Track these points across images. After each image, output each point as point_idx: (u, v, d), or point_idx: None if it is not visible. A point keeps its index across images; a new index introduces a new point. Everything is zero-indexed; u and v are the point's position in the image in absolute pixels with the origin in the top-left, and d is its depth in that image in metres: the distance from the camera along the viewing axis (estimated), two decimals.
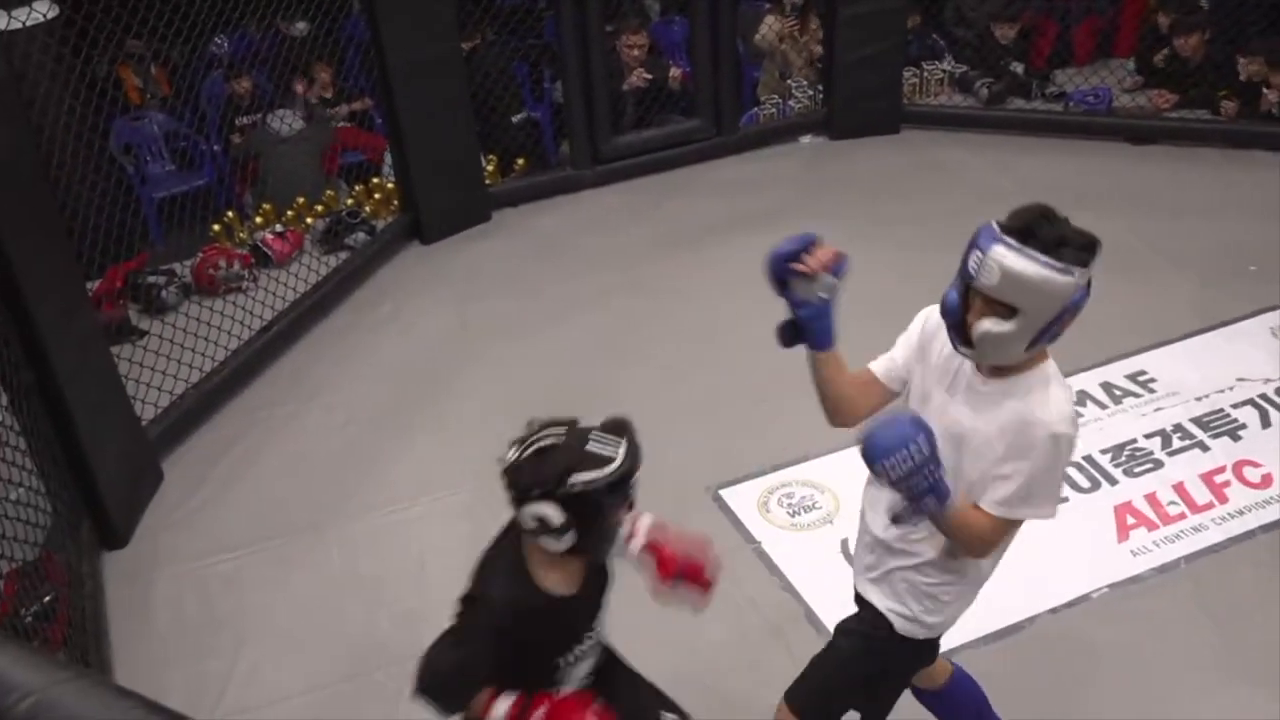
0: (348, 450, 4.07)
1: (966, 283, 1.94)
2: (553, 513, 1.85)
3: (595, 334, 4.68)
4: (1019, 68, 6.53)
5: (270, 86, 5.89)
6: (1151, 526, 3.45)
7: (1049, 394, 1.98)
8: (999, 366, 2.00)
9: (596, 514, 1.87)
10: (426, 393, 4.36)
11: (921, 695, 2.65)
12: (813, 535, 3.51)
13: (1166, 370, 4.15)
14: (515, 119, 6.07)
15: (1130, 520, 3.49)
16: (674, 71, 6.18)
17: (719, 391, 4.23)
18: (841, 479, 3.71)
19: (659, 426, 4.02)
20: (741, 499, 3.68)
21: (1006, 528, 2.04)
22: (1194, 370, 4.12)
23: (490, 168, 5.89)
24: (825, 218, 5.47)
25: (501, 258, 5.37)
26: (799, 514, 3.60)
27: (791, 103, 6.49)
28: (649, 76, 6.05)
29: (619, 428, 1.94)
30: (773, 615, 3.24)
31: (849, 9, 6.00)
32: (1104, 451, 3.76)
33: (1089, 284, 1.90)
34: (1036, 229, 1.88)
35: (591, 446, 1.88)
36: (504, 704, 1.98)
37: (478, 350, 4.61)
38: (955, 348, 2.01)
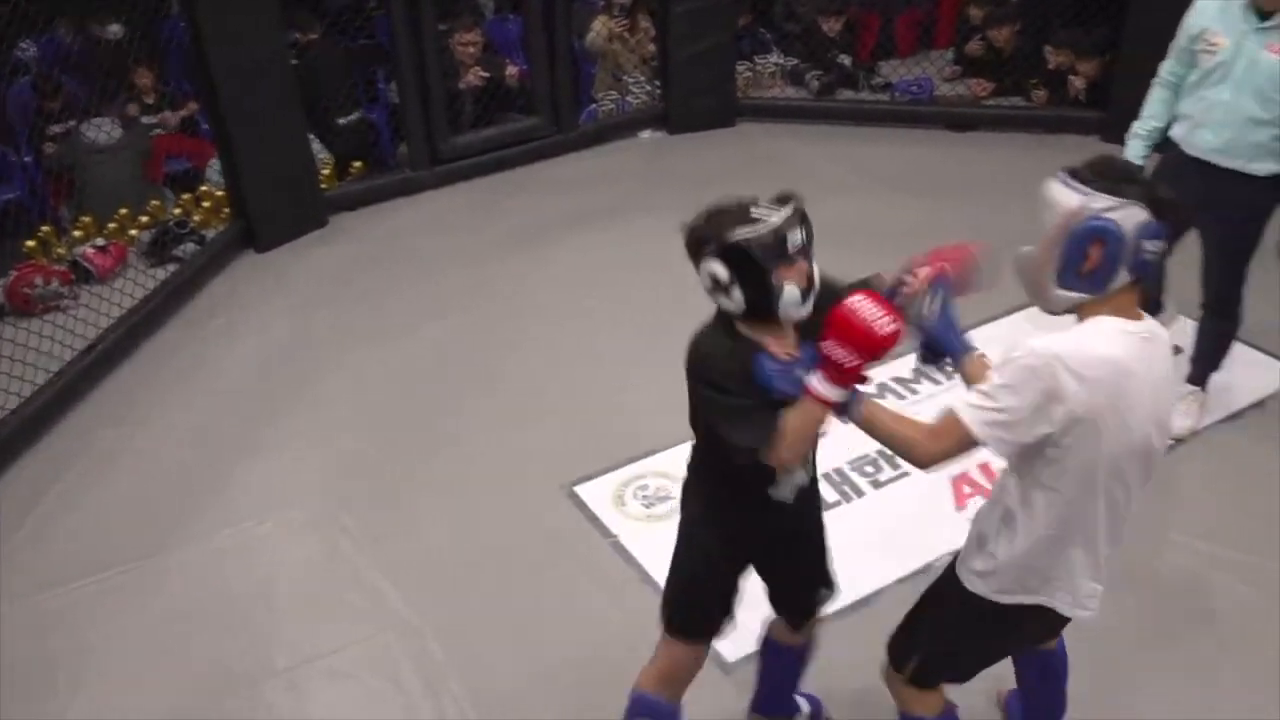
0: (186, 472, 3.90)
1: None
2: (719, 268, 2.05)
3: (443, 337, 4.62)
4: (846, 60, 6.75)
5: (84, 93, 5.59)
6: (985, 494, 3.59)
7: (1057, 335, 1.91)
8: (1083, 315, 1.95)
9: (758, 270, 2.01)
10: (267, 408, 4.22)
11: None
12: (668, 525, 3.51)
13: (998, 344, 4.33)
14: (342, 121, 5.92)
15: (967, 489, 3.65)
16: (510, 69, 6.15)
17: (570, 388, 4.23)
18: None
19: (511, 426, 4.03)
20: (597, 494, 3.70)
21: (952, 427, 1.96)
22: (1018, 343, 4.32)
23: (326, 171, 5.74)
24: (667, 211, 5.49)
25: (341, 264, 5.24)
26: (654, 505, 3.63)
27: (630, 99, 6.54)
28: (486, 75, 6.00)
29: (784, 198, 2.07)
30: (635, 608, 3.26)
31: (680, 6, 6.09)
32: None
33: (1142, 226, 1.84)
34: (1087, 164, 1.91)
35: (754, 211, 2.05)
36: (814, 380, 1.97)
37: (321, 361, 4.49)
38: None
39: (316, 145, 5.66)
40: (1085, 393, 1.87)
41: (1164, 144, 3.66)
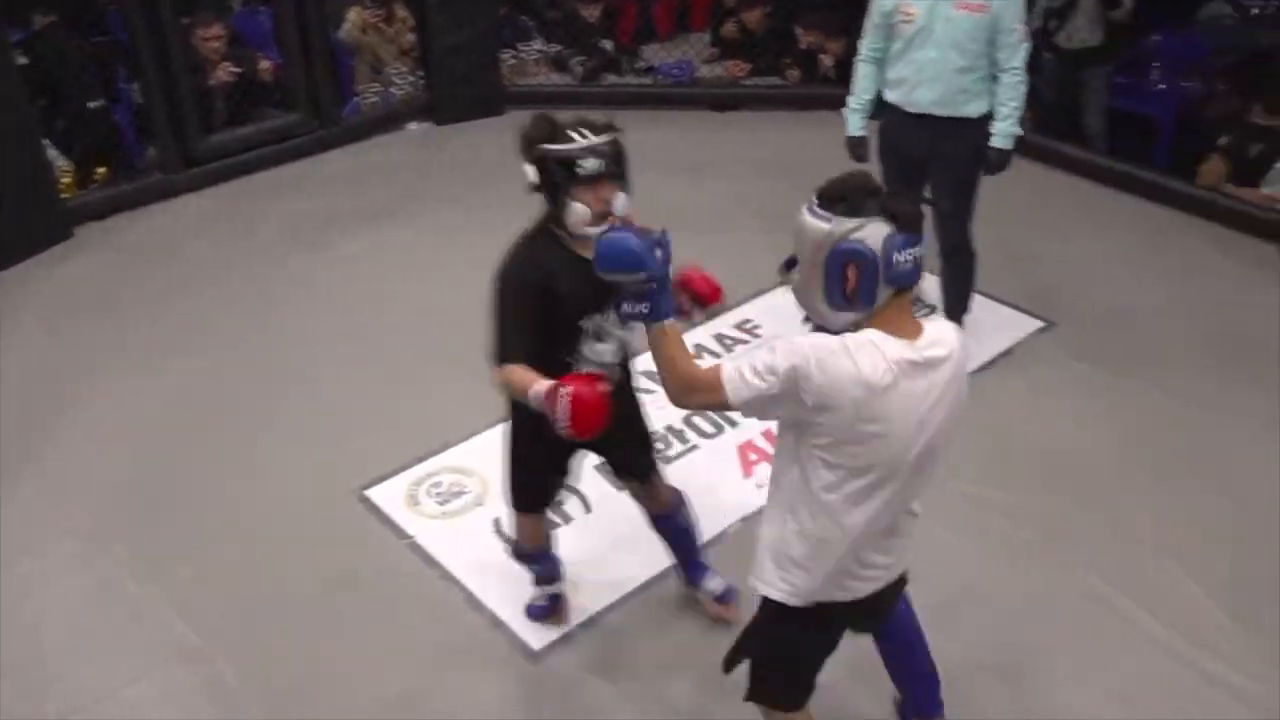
0: None
1: None
2: (530, 172, 2.42)
3: (215, 347, 4.40)
4: (608, 45, 6.83)
5: None
6: (770, 459, 3.74)
7: (827, 339, 1.99)
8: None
9: (553, 179, 2.39)
10: (23, 436, 3.90)
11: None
12: (465, 520, 3.52)
13: (769, 316, 4.53)
14: (92, 105, 5.47)
15: (752, 457, 3.79)
16: (263, 64, 5.90)
17: (355, 390, 4.12)
18: (486, 460, 3.73)
19: (293, 435, 3.89)
20: (389, 496, 3.62)
21: (709, 376, 2.06)
22: (791, 313, 4.49)
23: (67, 179, 5.33)
24: (440, 203, 5.47)
25: (92, 276, 4.91)
26: (449, 501, 3.59)
27: (394, 91, 6.40)
28: (237, 70, 5.72)
29: (605, 128, 2.43)
30: (437, 607, 3.22)
31: None
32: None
33: (889, 241, 1.93)
34: (827, 187, 2.01)
35: (571, 131, 2.40)
36: (535, 389, 2.35)
37: (79, 382, 4.19)
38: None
39: (53, 152, 5.26)
40: (829, 402, 1.95)
41: (879, 110, 4.06)
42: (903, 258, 1.96)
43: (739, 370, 2.03)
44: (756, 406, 2.04)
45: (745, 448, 3.83)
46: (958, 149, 3.90)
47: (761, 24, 6.65)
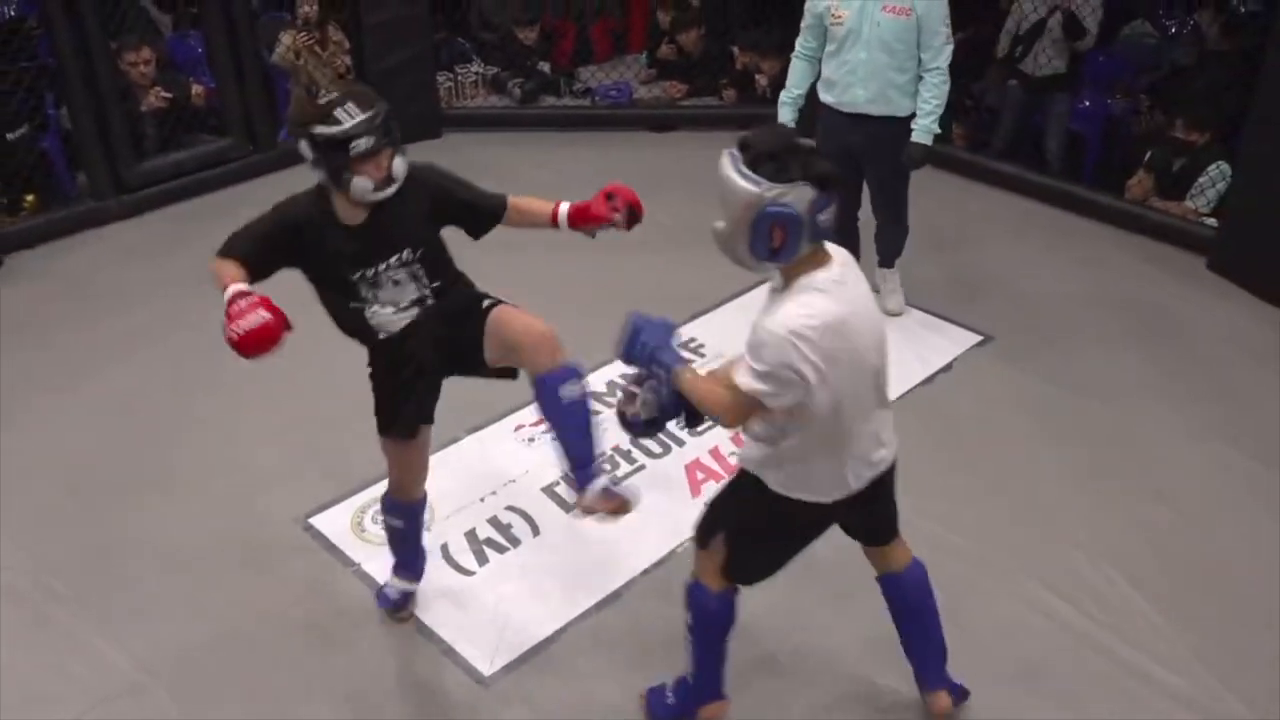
0: None
1: None
2: (306, 149, 2.48)
3: (145, 376, 4.31)
4: (546, 67, 6.85)
5: None
6: (718, 478, 3.78)
7: (784, 306, 2.21)
8: (788, 277, 2.25)
9: (330, 160, 2.46)
10: None
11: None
12: None
13: (712, 335, 4.55)
14: (11, 136, 5.36)
15: (700, 476, 3.80)
16: (195, 89, 5.82)
17: (295, 418, 4.07)
18: (431, 484, 3.67)
19: (232, 464, 3.83)
20: (334, 523, 3.57)
21: (743, 401, 2.26)
22: (734, 331, 4.52)
23: None
24: None
25: (21, 308, 4.79)
26: None
27: None
28: (168, 95, 5.64)
29: (367, 102, 2.48)
30: (385, 636, 3.18)
31: (372, 17, 5.98)
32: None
33: (813, 204, 2.11)
34: (753, 143, 2.12)
35: (337, 111, 2.43)
36: (238, 285, 2.58)
37: (5, 412, 4.08)
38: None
39: None
40: (820, 356, 2.17)
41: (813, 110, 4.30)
42: (824, 217, 2.16)
43: (749, 378, 2.22)
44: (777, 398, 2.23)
45: (693, 467, 3.84)
46: (892, 145, 4.14)
47: (697, 45, 6.72)
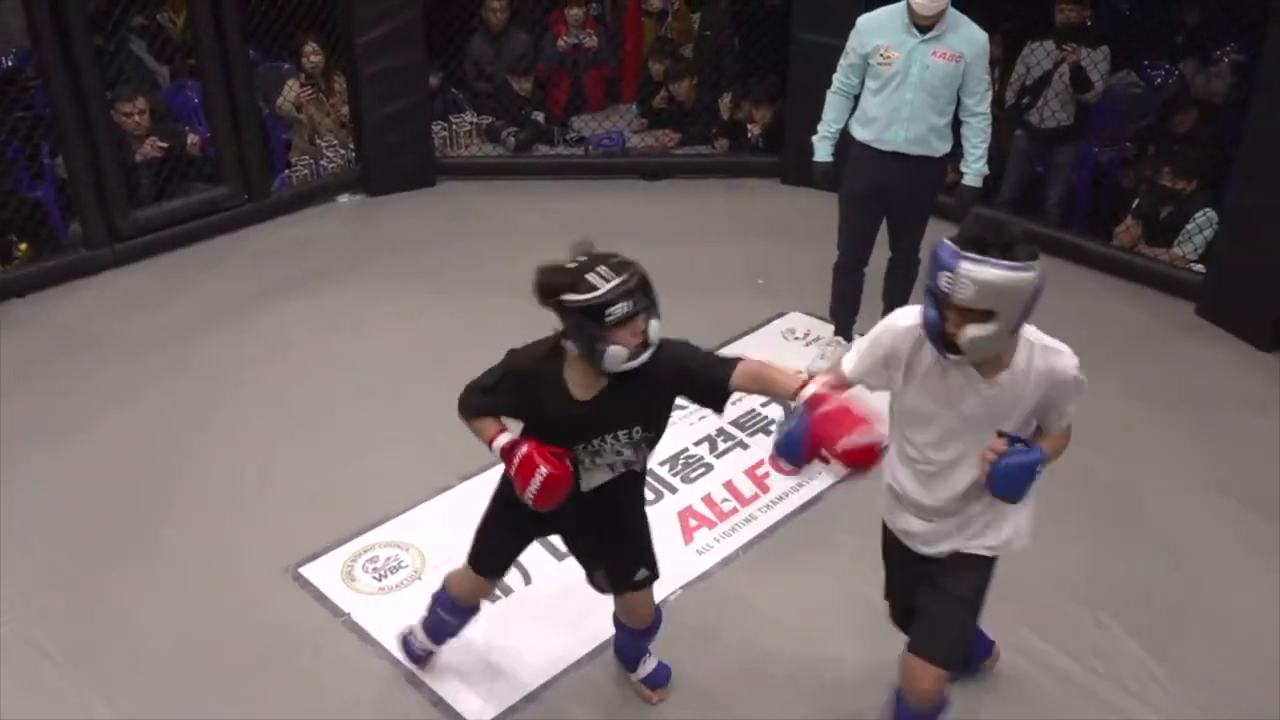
0: None
1: (939, 299, 2.17)
2: (557, 320, 2.35)
3: (139, 426, 4.29)
4: (540, 116, 6.91)
5: None
6: (711, 525, 3.76)
7: (1045, 345, 2.31)
8: (991, 365, 2.28)
9: (583, 328, 2.32)
10: None
11: None
12: (403, 595, 3.45)
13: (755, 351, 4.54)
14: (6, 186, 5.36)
15: (693, 523, 3.78)
16: (191, 138, 5.86)
17: (287, 465, 4.05)
18: (423, 533, 3.70)
19: (223, 514, 3.80)
20: (324, 573, 3.54)
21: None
22: None
23: None
24: (374, 275, 5.45)
25: (15, 356, 4.78)
26: (386, 576, 3.53)
27: (324, 163, 6.39)
28: (164, 145, 5.68)
29: (622, 266, 2.33)
30: (374, 685, 3.14)
31: (370, 67, 6.04)
32: (662, 463, 4.05)
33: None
34: (988, 238, 2.12)
35: (589, 277, 2.30)
36: (503, 438, 2.51)
37: (3, 465, 4.05)
38: (943, 355, 2.25)
39: None
40: None
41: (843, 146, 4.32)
42: None
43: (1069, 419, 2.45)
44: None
45: (685, 514, 3.82)
46: (924, 184, 4.21)
47: (690, 94, 6.79)
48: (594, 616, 3.32)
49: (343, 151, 6.43)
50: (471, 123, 6.83)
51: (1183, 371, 4.69)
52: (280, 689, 3.11)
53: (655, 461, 4.06)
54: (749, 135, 6.58)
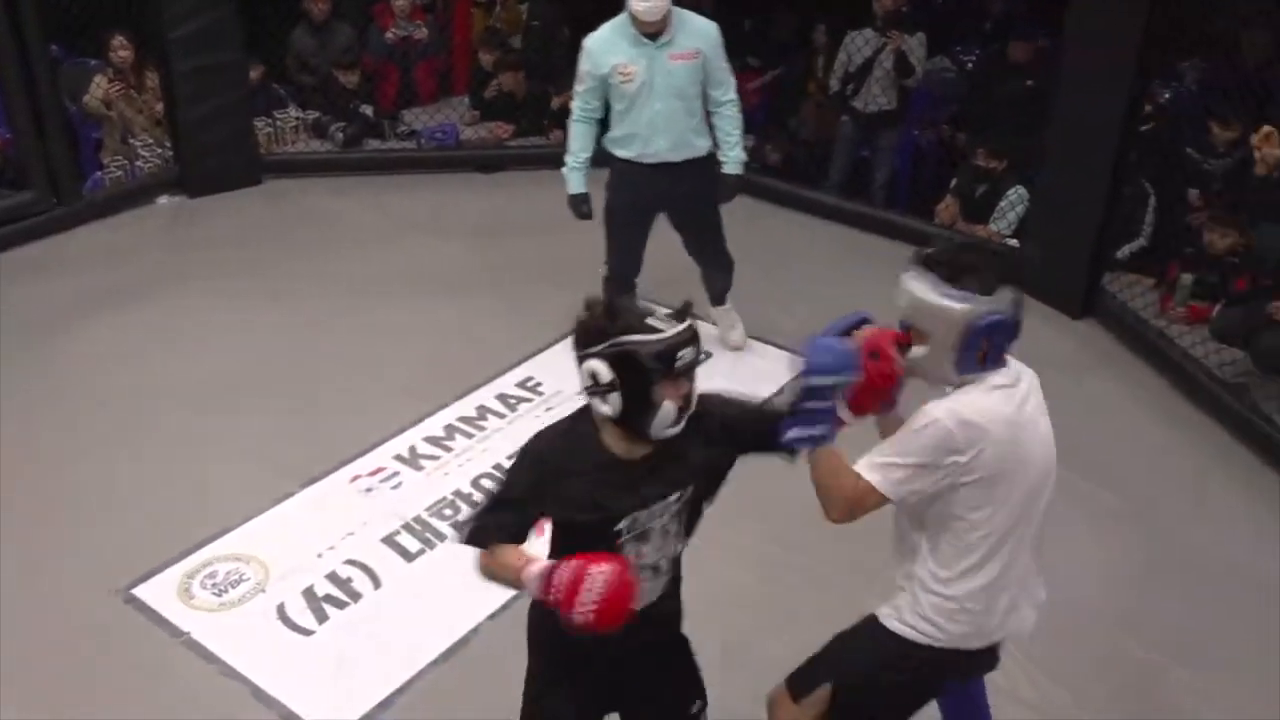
0: None
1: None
2: (603, 369, 1.95)
3: None
4: (368, 110, 6.75)
5: None
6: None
7: (955, 394, 2.08)
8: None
9: (641, 380, 1.94)
10: None
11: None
12: (246, 610, 3.34)
13: (549, 373, 4.55)
14: None
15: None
16: None
17: (115, 484, 3.85)
18: (265, 544, 3.58)
19: (44, 537, 3.60)
20: (159, 592, 3.39)
21: (863, 493, 2.09)
22: (570, 369, 4.54)
23: None
24: (199, 280, 5.22)
25: None
26: (226, 591, 3.40)
27: (140, 163, 6.09)
28: None
29: (681, 313, 2.01)
30: (219, 705, 3.03)
31: (184, 62, 5.78)
32: (509, 457, 3.94)
33: (1014, 303, 2.04)
34: (942, 258, 2.04)
35: (651, 320, 1.97)
36: (537, 564, 1.96)
37: None
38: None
39: None
40: (986, 446, 2.04)
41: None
42: (1022, 314, 2.07)
43: (878, 465, 2.08)
44: (910, 490, 2.08)
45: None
46: (698, 185, 4.19)
47: (520, 86, 6.75)
48: (450, 616, 3.30)
49: (159, 150, 6.13)
50: (297, 118, 6.62)
51: None
52: (120, 714, 2.96)
53: (504, 455, 4.03)
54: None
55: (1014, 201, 5.49)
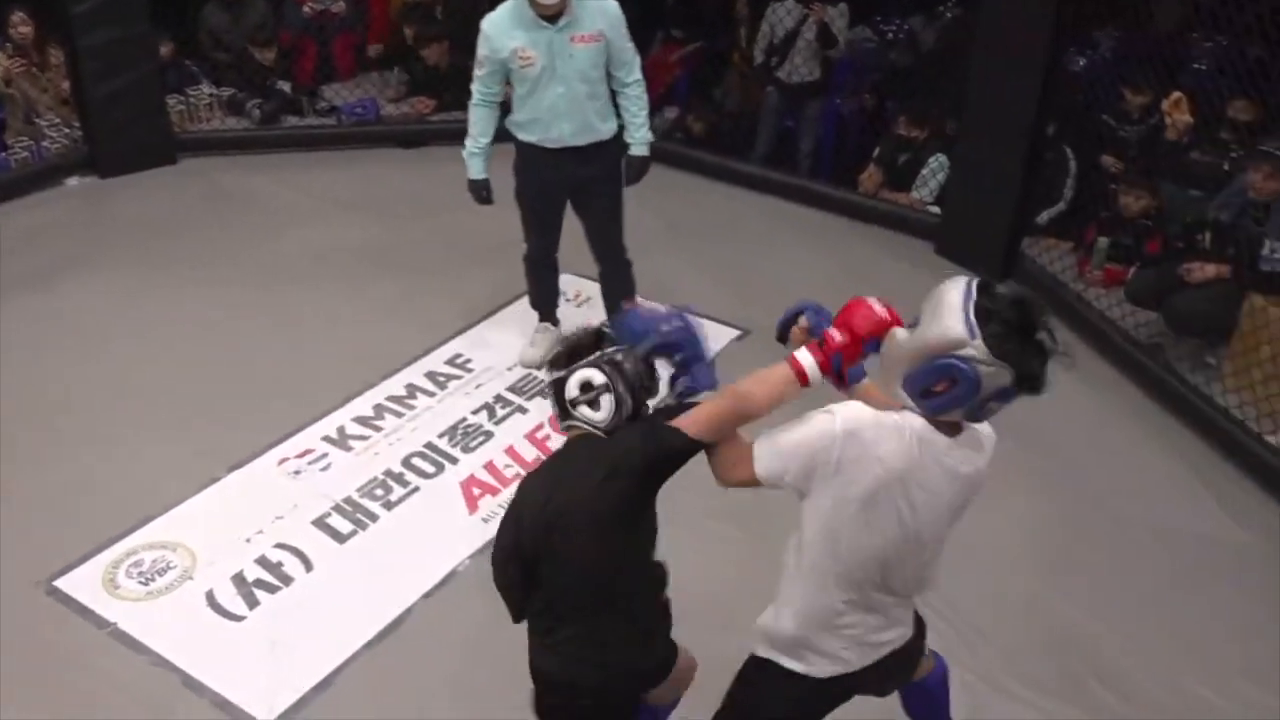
0: None
1: None
2: (595, 375, 2.15)
3: None
4: (286, 86, 6.60)
5: None
6: (495, 492, 3.75)
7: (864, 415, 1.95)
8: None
9: (635, 382, 2.17)
10: None
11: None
12: (174, 598, 3.27)
13: (478, 349, 4.52)
14: None
15: (476, 491, 3.76)
16: None
17: (32, 474, 3.73)
18: (191, 530, 3.51)
19: None
20: (83, 583, 3.30)
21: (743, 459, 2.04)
22: (500, 345, 4.54)
23: None
24: (113, 265, 5.07)
25: None
26: (153, 580, 3.32)
27: (46, 143, 5.89)
28: None
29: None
30: (150, 695, 2.97)
31: (89, 38, 5.59)
32: (441, 435, 4.00)
33: (998, 391, 1.87)
34: (1000, 302, 1.87)
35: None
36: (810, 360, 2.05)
37: None
38: None
39: None
40: (864, 462, 1.92)
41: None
42: (997, 407, 1.91)
43: (769, 443, 2.01)
44: (777, 478, 2.01)
45: (468, 483, 3.79)
46: (603, 169, 4.07)
47: (443, 59, 6.65)
48: (383, 596, 3.27)
49: (67, 130, 5.93)
50: (211, 95, 6.46)
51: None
52: (47, 708, 2.89)
53: (434, 433, 4.02)
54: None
55: (935, 169, 5.56)
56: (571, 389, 2.18)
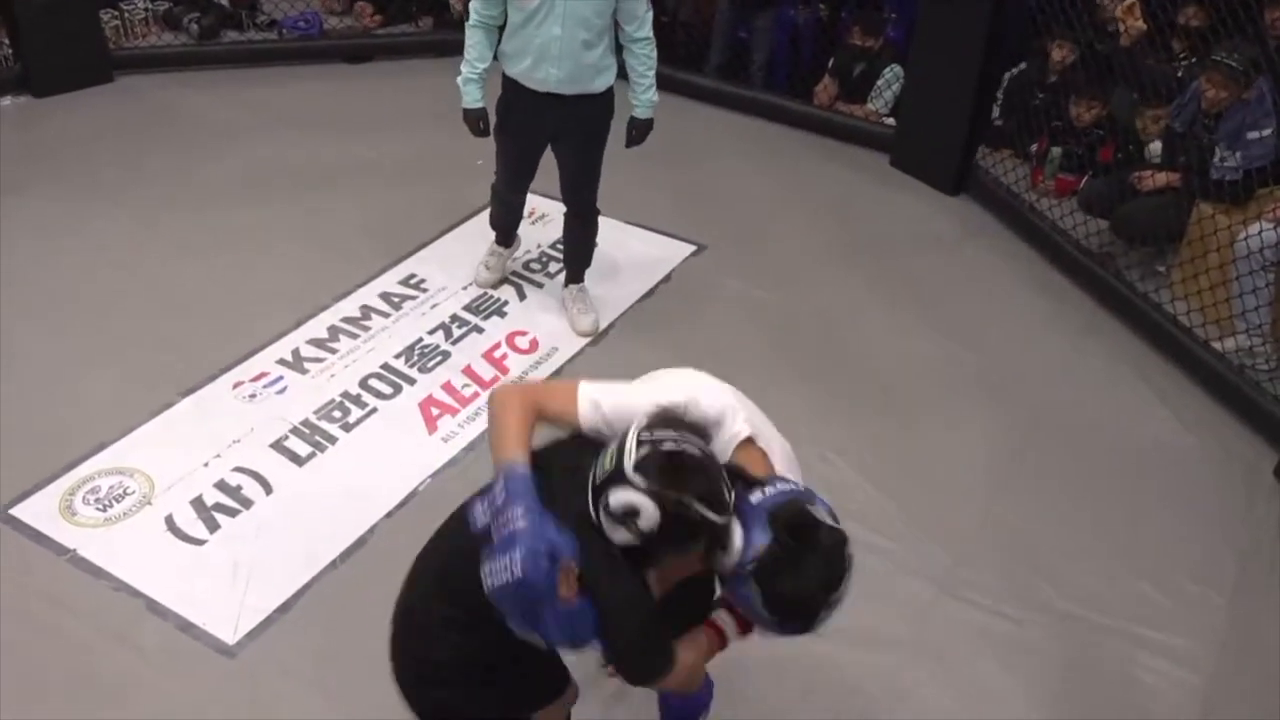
0: None
1: None
2: (652, 511, 1.75)
3: None
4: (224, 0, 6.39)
5: None
6: (453, 412, 3.75)
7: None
8: None
9: (679, 540, 1.81)
10: None
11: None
12: (133, 523, 3.25)
13: (433, 269, 4.47)
14: None
15: (435, 412, 3.75)
16: None
17: None
18: (148, 456, 3.48)
19: None
20: (39, 511, 3.27)
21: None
22: (455, 263, 4.50)
23: None
24: (50, 188, 4.92)
25: None
26: (111, 505, 3.30)
27: None
28: None
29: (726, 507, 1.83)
30: (113, 620, 2.97)
31: None
32: (397, 356, 3.97)
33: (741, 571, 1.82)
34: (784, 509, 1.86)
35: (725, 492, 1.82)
36: (730, 621, 2.04)
37: None
38: None
39: None
40: None
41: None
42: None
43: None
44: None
45: (426, 404, 3.78)
46: (587, 124, 3.79)
47: None
48: (346, 517, 3.28)
49: None
50: (146, 9, 6.23)
51: (880, 219, 5.03)
52: (11, 644, 2.88)
53: (391, 355, 3.99)
54: (452, 11, 6.36)
55: (890, 80, 5.53)
56: (614, 502, 1.79)
